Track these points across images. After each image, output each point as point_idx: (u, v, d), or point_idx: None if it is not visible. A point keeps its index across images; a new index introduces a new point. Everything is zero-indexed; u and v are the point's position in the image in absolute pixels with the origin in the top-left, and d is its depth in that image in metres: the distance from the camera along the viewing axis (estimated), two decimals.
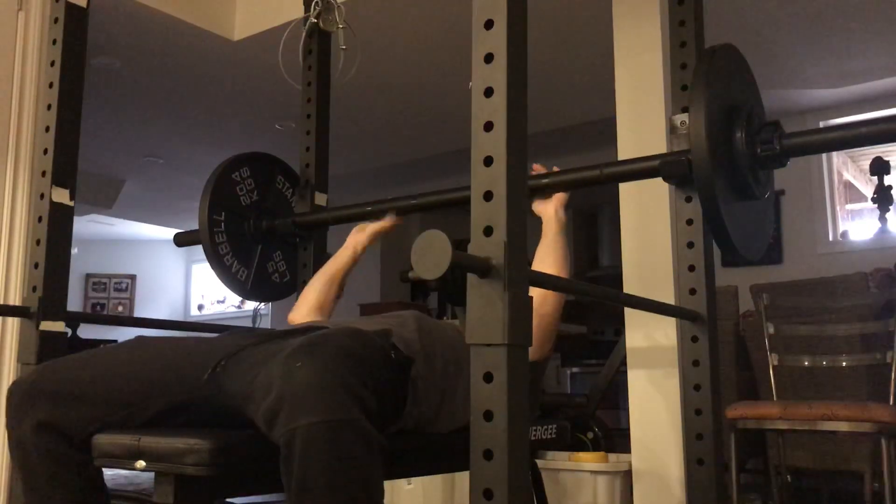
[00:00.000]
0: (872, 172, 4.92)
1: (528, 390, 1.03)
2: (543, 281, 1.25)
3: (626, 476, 2.47)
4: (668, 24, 1.94)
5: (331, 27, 2.38)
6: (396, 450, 1.13)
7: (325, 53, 2.45)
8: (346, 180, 5.94)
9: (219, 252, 2.17)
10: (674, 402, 2.30)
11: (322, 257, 2.34)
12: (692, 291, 1.78)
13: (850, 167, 5.37)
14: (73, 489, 1.24)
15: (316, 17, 2.37)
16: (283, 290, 2.36)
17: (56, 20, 1.92)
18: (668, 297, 2.11)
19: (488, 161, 1.05)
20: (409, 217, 2.18)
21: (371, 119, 4.99)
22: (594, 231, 6.84)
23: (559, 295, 1.59)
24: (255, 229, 2.27)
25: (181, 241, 2.43)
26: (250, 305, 8.11)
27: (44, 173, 1.87)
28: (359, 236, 2.01)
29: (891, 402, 2.40)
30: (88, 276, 8.96)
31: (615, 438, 3.65)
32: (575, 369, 5.89)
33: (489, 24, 1.07)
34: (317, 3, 2.36)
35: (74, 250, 2.01)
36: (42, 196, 1.86)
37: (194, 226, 2.21)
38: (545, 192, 1.81)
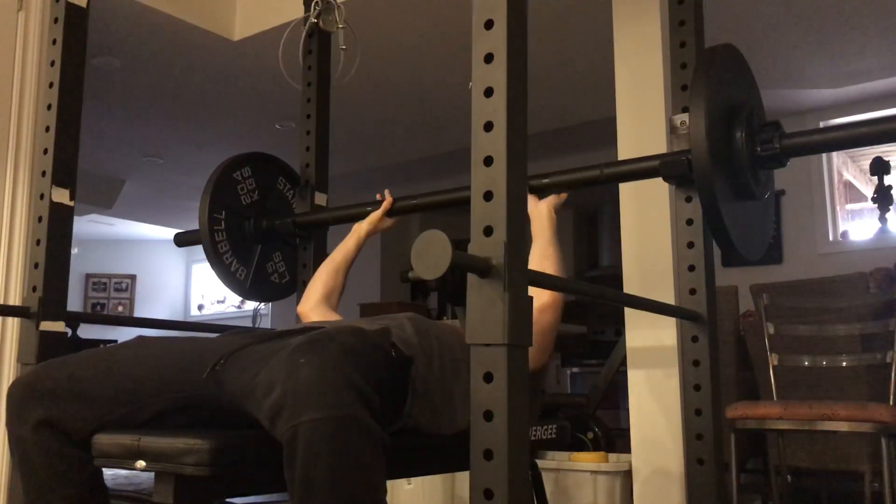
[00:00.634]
0: (872, 172, 4.92)
1: (528, 396, 1.03)
2: (543, 281, 1.25)
3: (626, 476, 2.47)
4: (668, 24, 1.94)
5: (331, 27, 2.38)
6: (396, 450, 1.13)
7: (325, 53, 2.45)
8: (346, 180, 5.94)
9: (219, 251, 2.17)
10: (674, 402, 2.30)
11: (322, 257, 2.34)
12: (692, 291, 1.79)
13: (850, 167, 5.37)
14: (73, 487, 1.24)
15: (316, 17, 2.37)
16: (282, 290, 2.36)
17: (56, 20, 1.92)
18: (668, 297, 2.11)
19: (488, 161, 1.05)
20: (409, 217, 2.18)
21: (371, 119, 4.99)
22: (594, 231, 6.84)
23: (558, 304, 1.55)
24: (255, 229, 2.27)
25: (181, 241, 2.43)
26: (250, 305, 8.11)
27: (44, 173, 1.87)
28: (361, 223, 2.08)
29: (891, 402, 2.40)
30: (88, 276, 8.96)
31: (615, 438, 3.65)
32: (575, 369, 5.90)
33: (489, 24, 1.07)
34: (317, 3, 2.36)
35: (74, 250, 2.01)
36: (42, 196, 1.86)
37: (194, 226, 2.21)
38: (545, 192, 1.81)
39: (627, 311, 2.46)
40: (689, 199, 1.81)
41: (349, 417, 1.02)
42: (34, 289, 1.82)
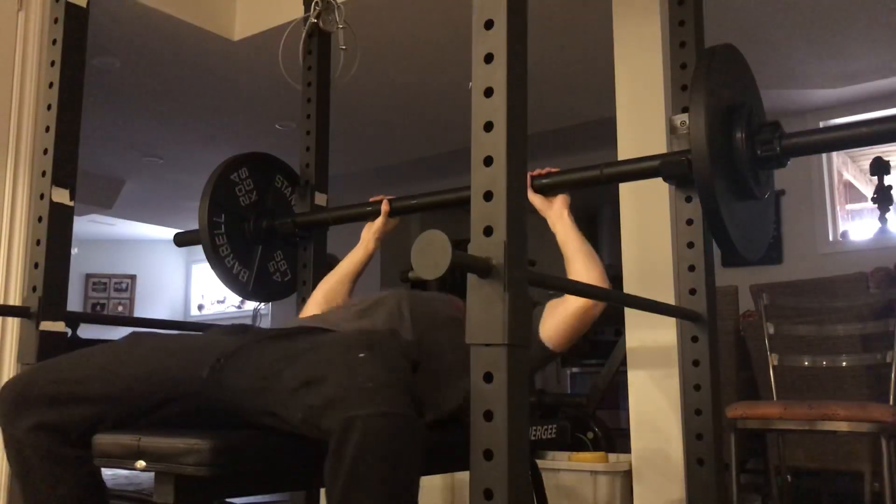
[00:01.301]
0: (872, 172, 4.92)
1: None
2: (543, 281, 1.25)
3: (626, 476, 2.47)
4: (668, 24, 1.94)
5: (331, 27, 2.38)
6: None
7: (325, 53, 2.45)
8: (346, 180, 5.94)
9: (219, 254, 2.17)
10: (674, 402, 2.30)
11: (322, 257, 2.34)
12: (692, 291, 1.78)
13: (850, 167, 5.37)
14: (71, 486, 1.24)
15: (316, 17, 2.37)
16: (284, 289, 2.36)
17: (56, 20, 1.92)
18: (668, 297, 2.11)
19: (488, 161, 1.05)
20: (409, 217, 2.18)
21: (371, 119, 4.99)
22: (594, 231, 6.84)
23: (599, 309, 1.65)
24: (254, 230, 2.27)
25: (181, 241, 2.43)
26: (250, 305, 8.12)
27: (44, 173, 1.87)
28: (367, 234, 2.09)
29: (891, 402, 2.40)
30: (88, 276, 8.96)
31: (615, 438, 3.65)
32: (575, 369, 5.89)
33: (489, 24, 1.07)
34: (317, 3, 2.36)
35: (74, 250, 2.01)
36: (42, 196, 1.86)
37: (194, 226, 2.21)
38: (546, 192, 1.81)
39: (627, 311, 2.46)
40: (689, 199, 1.81)
41: (405, 417, 1.05)
42: (34, 289, 1.81)
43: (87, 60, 1.96)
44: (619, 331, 3.15)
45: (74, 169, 1.90)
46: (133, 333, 1.41)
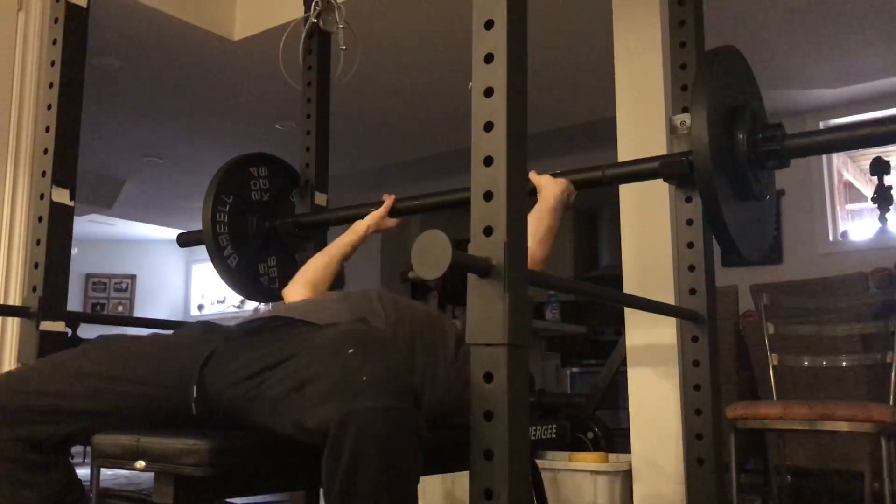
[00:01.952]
0: (872, 172, 4.92)
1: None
2: (543, 281, 1.25)
3: (626, 476, 2.47)
4: (668, 24, 1.94)
5: (331, 27, 2.38)
6: None
7: (325, 53, 2.45)
8: (346, 180, 5.94)
9: (217, 231, 2.21)
10: (674, 402, 2.30)
11: None
12: (692, 291, 1.79)
13: (850, 167, 5.37)
14: (40, 489, 1.22)
15: (316, 17, 2.37)
16: (269, 293, 2.36)
17: (56, 20, 1.92)
18: (668, 297, 2.11)
19: (488, 161, 1.05)
20: (409, 217, 2.18)
21: (371, 119, 4.99)
22: (594, 231, 6.84)
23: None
24: (257, 227, 2.29)
25: (184, 241, 2.44)
26: (250, 305, 8.12)
27: (44, 173, 1.87)
28: (361, 220, 2.09)
29: (891, 402, 2.40)
30: (88, 276, 8.96)
31: (615, 438, 3.65)
32: (575, 369, 5.89)
33: (489, 24, 1.07)
34: (317, 3, 2.36)
35: (74, 250, 2.01)
36: (42, 196, 1.86)
37: (195, 226, 2.22)
38: None
39: (627, 311, 2.46)
40: (689, 200, 1.81)
41: (403, 410, 1.03)
42: (34, 289, 1.82)
43: (87, 60, 1.96)
44: (619, 331, 3.15)
45: (74, 169, 1.90)
46: (102, 338, 1.36)
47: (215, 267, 2.22)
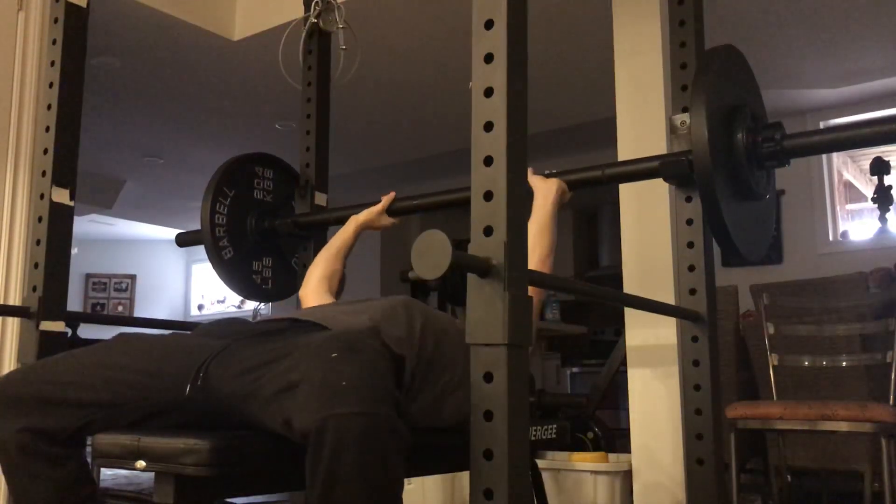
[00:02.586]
0: (872, 172, 4.92)
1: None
2: (544, 281, 1.25)
3: (626, 476, 2.47)
4: (668, 24, 1.94)
5: (331, 27, 2.38)
6: None
7: (325, 53, 2.45)
8: (347, 180, 5.94)
9: (215, 221, 2.22)
10: (674, 402, 2.30)
11: None
12: (692, 291, 1.79)
13: (850, 167, 5.37)
14: (54, 482, 1.22)
15: (316, 17, 2.37)
16: (260, 292, 2.36)
17: (56, 20, 1.92)
18: (668, 297, 2.11)
19: (488, 161, 1.05)
20: (409, 217, 2.19)
21: (371, 119, 4.99)
22: (594, 231, 6.84)
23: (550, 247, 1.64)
24: (256, 225, 2.29)
25: (183, 241, 2.44)
26: (250, 305, 8.11)
27: (44, 173, 1.87)
28: (357, 214, 2.10)
29: (891, 402, 2.40)
30: (88, 276, 8.96)
31: (615, 438, 3.65)
32: (575, 369, 5.89)
33: (489, 24, 1.07)
34: (317, 3, 2.36)
35: (74, 250, 2.01)
36: (42, 196, 1.86)
37: (195, 226, 2.22)
38: None
39: (627, 311, 2.46)
40: (689, 199, 1.81)
41: (381, 416, 1.03)
42: (34, 289, 1.82)
43: (87, 60, 1.96)
44: (619, 331, 3.15)
45: (74, 169, 1.90)
46: (120, 335, 1.38)
47: (209, 256, 2.22)
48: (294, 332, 1.33)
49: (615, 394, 4.38)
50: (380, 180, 6.31)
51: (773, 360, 2.67)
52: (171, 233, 7.92)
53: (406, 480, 2.75)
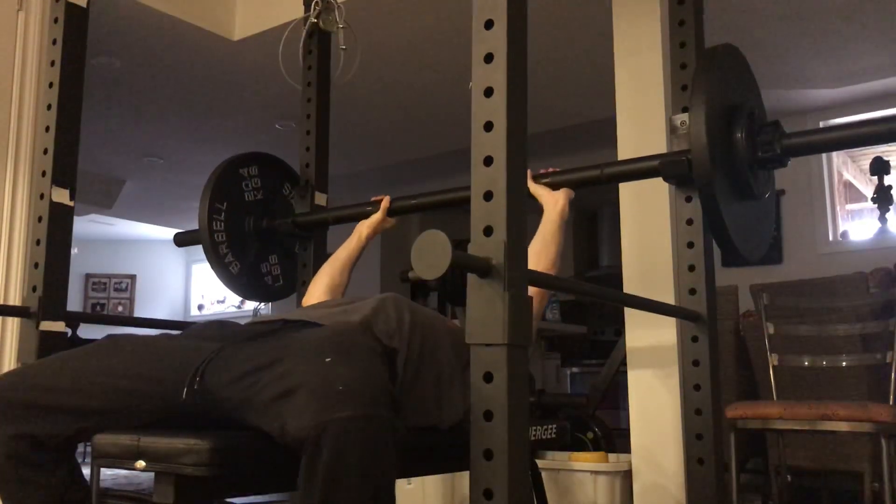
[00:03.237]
0: (872, 172, 4.92)
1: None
2: (544, 281, 1.25)
3: (626, 476, 2.47)
4: (668, 24, 1.94)
5: (331, 27, 2.38)
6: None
7: (325, 53, 2.45)
8: (346, 180, 5.94)
9: (216, 241, 2.20)
10: (674, 402, 2.30)
11: (322, 257, 2.35)
12: (692, 291, 1.79)
13: (850, 167, 5.37)
14: (46, 489, 1.22)
15: (316, 17, 2.37)
16: (274, 292, 2.36)
17: (56, 20, 1.93)
18: (668, 297, 2.11)
19: (488, 161, 1.05)
20: (409, 217, 2.19)
21: (371, 119, 4.99)
22: (594, 231, 6.84)
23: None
24: (254, 227, 2.29)
25: (181, 240, 2.44)
26: (250, 305, 8.12)
27: (44, 173, 1.87)
28: (362, 225, 2.10)
29: (891, 402, 2.40)
30: (88, 276, 8.96)
31: (615, 438, 3.65)
32: (575, 369, 5.89)
33: (489, 24, 1.07)
34: (317, 3, 2.36)
35: (74, 250, 2.01)
36: (42, 196, 1.86)
37: (194, 225, 2.22)
38: (553, 189, 1.82)
39: (627, 311, 2.46)
40: (689, 199, 1.81)
41: (380, 418, 1.03)
42: (34, 289, 1.82)
43: (87, 60, 1.96)
44: (619, 331, 3.15)
45: (74, 169, 1.90)
46: (110, 337, 1.36)
47: (219, 277, 2.21)
48: (286, 332, 1.33)
49: (615, 394, 4.38)
50: (380, 180, 6.31)
51: (773, 360, 2.67)
52: (170, 233, 7.88)
53: (406, 480, 2.76)
